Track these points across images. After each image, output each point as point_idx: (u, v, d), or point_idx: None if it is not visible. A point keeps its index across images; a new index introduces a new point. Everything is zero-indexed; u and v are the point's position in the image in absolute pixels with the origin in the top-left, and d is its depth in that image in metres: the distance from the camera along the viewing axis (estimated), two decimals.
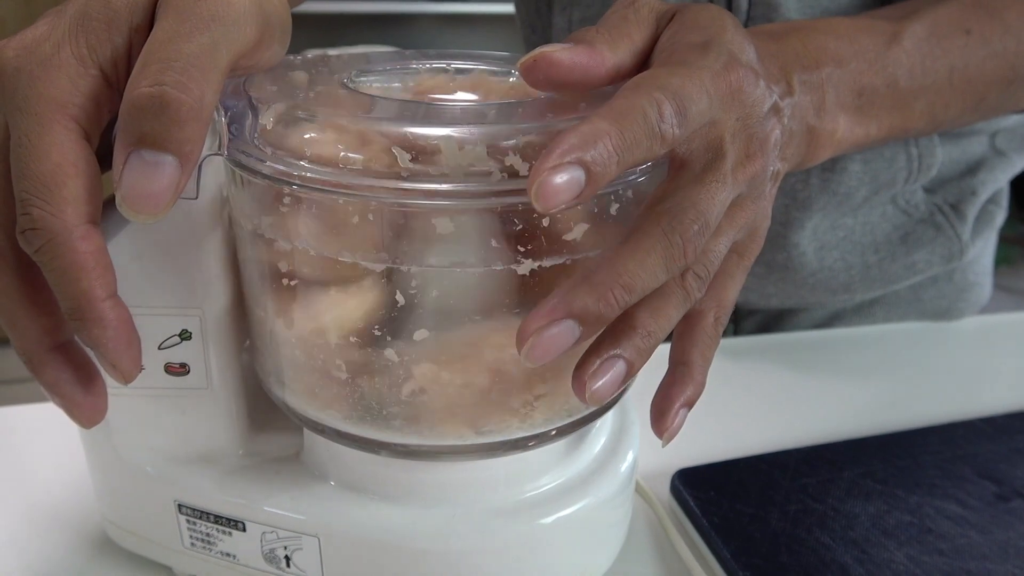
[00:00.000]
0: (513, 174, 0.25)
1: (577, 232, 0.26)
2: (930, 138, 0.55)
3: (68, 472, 0.42)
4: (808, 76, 0.34)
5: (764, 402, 0.52)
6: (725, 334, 0.65)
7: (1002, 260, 2.55)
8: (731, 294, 0.32)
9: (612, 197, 0.27)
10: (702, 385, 0.31)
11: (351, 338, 0.27)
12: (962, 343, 0.62)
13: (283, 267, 0.28)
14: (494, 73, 0.33)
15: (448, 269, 0.26)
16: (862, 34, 0.38)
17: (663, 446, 0.30)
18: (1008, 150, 0.60)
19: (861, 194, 0.56)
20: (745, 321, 0.65)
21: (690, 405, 0.31)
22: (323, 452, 0.32)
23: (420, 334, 0.27)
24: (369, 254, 0.26)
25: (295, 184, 0.26)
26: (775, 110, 0.30)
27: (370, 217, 0.25)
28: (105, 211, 0.26)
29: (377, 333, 0.27)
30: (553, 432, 0.30)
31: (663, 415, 0.30)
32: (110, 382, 0.28)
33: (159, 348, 0.31)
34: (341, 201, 0.25)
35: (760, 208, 0.30)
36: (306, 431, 0.32)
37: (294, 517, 0.31)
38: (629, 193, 0.28)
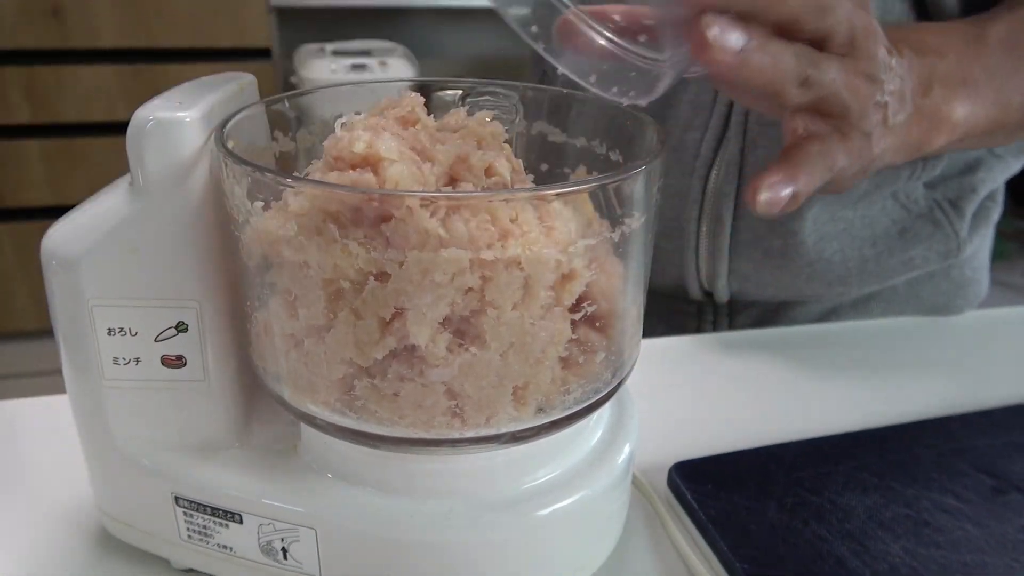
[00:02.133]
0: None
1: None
2: None
3: (64, 465, 0.42)
4: (913, 58, 0.36)
5: (761, 395, 0.52)
6: (718, 328, 0.65)
7: (998, 255, 2.55)
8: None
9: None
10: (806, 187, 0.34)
11: (347, 331, 0.27)
12: (959, 337, 0.62)
13: (275, 258, 0.28)
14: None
15: (440, 256, 0.26)
16: (951, 33, 0.41)
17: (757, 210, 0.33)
18: (1005, 154, 0.60)
19: (862, 186, 0.56)
20: (741, 315, 0.65)
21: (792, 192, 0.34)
22: (320, 444, 0.32)
23: (416, 327, 0.26)
24: (359, 242, 0.26)
25: (285, 178, 0.26)
26: (884, 41, 0.34)
27: (359, 205, 0.25)
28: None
29: (373, 326, 0.27)
30: (550, 425, 0.30)
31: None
32: (98, 375, 0.28)
33: (155, 340, 0.31)
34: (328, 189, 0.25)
35: (862, 95, 0.33)
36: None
37: (291, 509, 0.31)
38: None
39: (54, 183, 1.87)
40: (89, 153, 1.87)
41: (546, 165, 0.38)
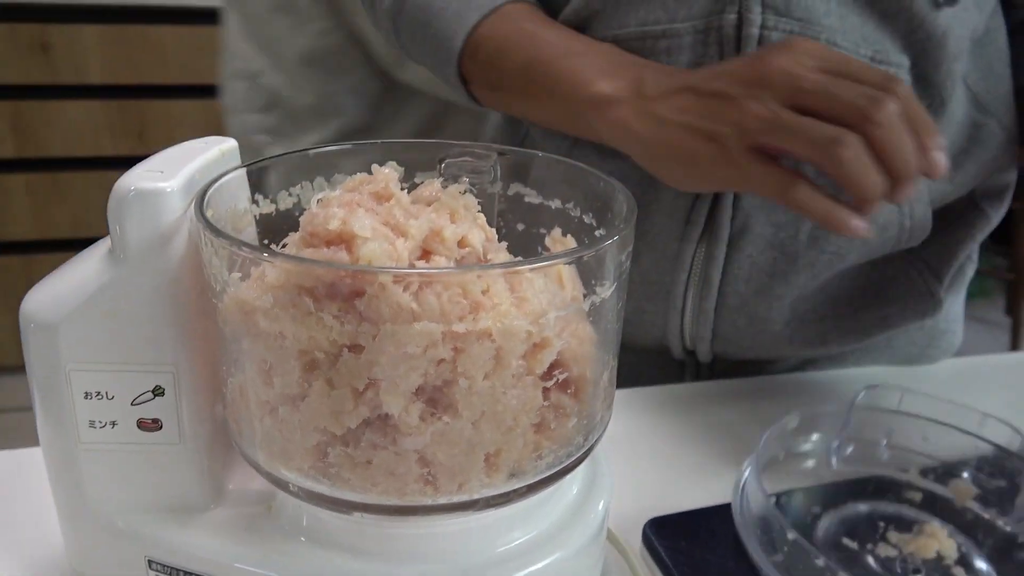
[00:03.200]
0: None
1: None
2: (926, 213, 0.56)
3: (38, 523, 0.41)
4: None
5: (735, 449, 0.53)
6: (701, 377, 0.65)
7: (978, 293, 2.58)
8: None
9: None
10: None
11: (321, 400, 0.27)
12: (935, 386, 0.63)
13: (252, 327, 0.28)
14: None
15: (412, 329, 0.26)
16: None
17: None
18: (990, 212, 0.62)
19: (851, 258, 0.57)
20: (721, 372, 0.66)
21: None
22: (295, 508, 0.32)
23: (389, 397, 0.27)
24: (334, 315, 0.26)
25: (262, 253, 0.26)
26: None
27: (333, 281, 0.26)
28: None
29: (347, 396, 0.27)
30: (522, 490, 0.31)
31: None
32: (74, 438, 0.28)
33: (132, 404, 0.32)
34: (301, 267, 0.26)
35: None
36: None
37: (265, 574, 0.31)
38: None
39: (38, 217, 1.86)
40: (73, 187, 1.86)
41: (522, 225, 0.38)
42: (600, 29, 0.56)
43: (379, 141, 0.36)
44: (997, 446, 0.46)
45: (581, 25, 0.57)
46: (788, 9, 0.51)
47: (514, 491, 0.30)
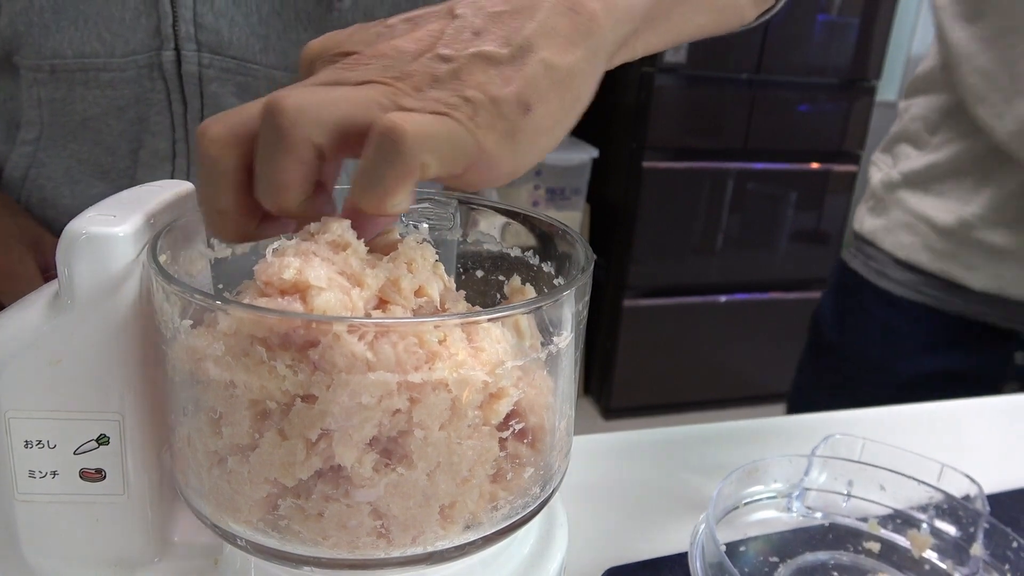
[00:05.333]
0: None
1: None
2: None
3: None
4: None
5: (699, 495, 0.53)
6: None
7: None
8: None
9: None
10: None
11: (272, 451, 0.27)
12: (895, 432, 0.64)
13: (202, 376, 0.27)
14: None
15: (367, 380, 0.26)
16: None
17: None
18: None
19: None
20: None
21: None
22: (242, 562, 0.31)
23: (342, 448, 0.26)
24: (287, 364, 0.26)
25: (215, 300, 0.26)
26: None
27: (287, 332, 0.25)
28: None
29: (299, 447, 0.27)
30: (477, 542, 0.30)
31: None
32: (13, 489, 0.27)
33: (75, 453, 0.31)
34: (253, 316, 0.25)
35: None
36: None
37: None
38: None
39: None
40: None
41: (481, 272, 0.39)
42: (32, 56, 0.54)
43: (338, 187, 0.36)
44: (954, 497, 0.46)
45: (10, 50, 0.55)
46: (222, 48, 0.52)
47: (470, 543, 0.30)
